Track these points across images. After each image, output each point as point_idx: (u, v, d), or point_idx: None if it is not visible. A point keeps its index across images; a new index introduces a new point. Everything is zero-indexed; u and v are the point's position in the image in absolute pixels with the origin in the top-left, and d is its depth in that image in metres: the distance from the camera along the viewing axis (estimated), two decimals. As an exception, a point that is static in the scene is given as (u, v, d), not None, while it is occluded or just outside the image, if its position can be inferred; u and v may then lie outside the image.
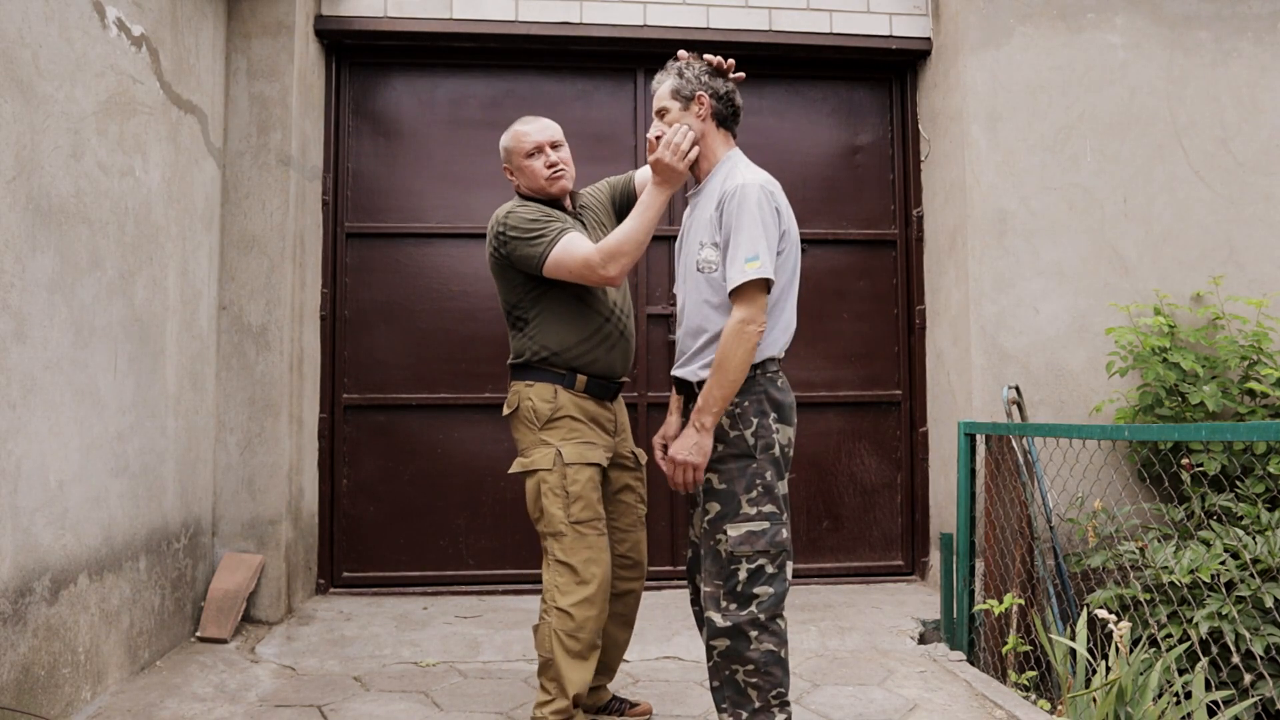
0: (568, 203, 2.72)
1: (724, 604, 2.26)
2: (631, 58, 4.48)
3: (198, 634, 3.49)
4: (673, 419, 2.57)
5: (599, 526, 2.54)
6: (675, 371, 2.46)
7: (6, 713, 2.38)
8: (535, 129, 2.66)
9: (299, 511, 3.97)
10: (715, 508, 2.30)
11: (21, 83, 2.49)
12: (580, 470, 2.52)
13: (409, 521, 4.28)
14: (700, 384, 2.35)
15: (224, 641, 3.46)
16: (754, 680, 2.24)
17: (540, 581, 4.19)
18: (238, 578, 3.59)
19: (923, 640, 3.64)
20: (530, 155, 2.64)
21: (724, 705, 2.29)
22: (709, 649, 2.31)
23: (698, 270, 2.37)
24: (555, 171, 2.64)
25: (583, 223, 2.70)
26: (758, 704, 2.25)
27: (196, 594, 3.57)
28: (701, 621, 2.42)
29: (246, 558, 3.67)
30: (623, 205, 2.81)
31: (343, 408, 4.28)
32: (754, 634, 2.24)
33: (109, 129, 2.92)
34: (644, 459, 2.79)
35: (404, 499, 4.28)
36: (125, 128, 3.02)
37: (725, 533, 2.28)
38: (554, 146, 2.65)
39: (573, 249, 2.49)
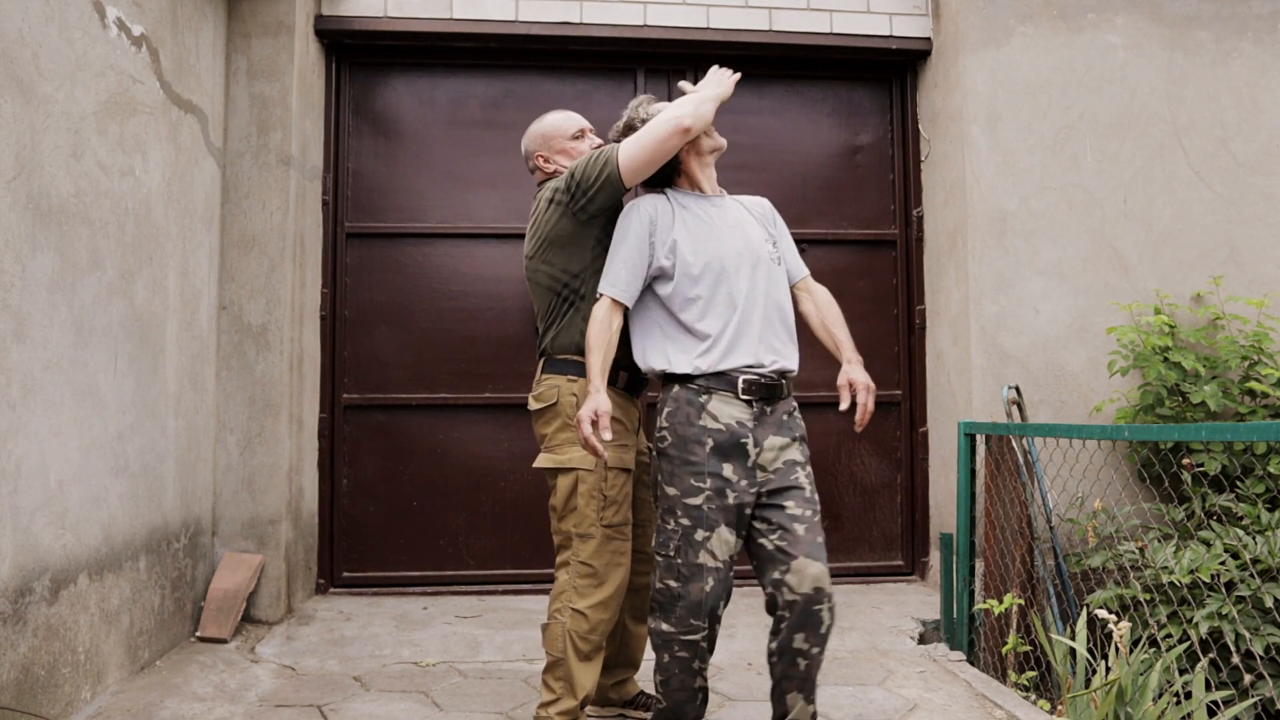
0: None
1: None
2: (631, 58, 4.48)
3: (198, 634, 3.49)
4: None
5: (626, 532, 2.50)
6: (785, 364, 2.52)
7: (6, 713, 2.38)
8: (573, 114, 2.77)
9: (299, 511, 3.97)
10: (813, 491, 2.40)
11: (21, 83, 2.49)
12: (619, 475, 2.49)
13: (409, 521, 4.28)
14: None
15: (224, 641, 3.46)
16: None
17: (541, 581, 4.23)
18: (238, 577, 3.59)
19: (923, 640, 3.63)
20: (576, 137, 2.72)
21: (812, 698, 2.35)
22: (817, 650, 2.29)
23: (777, 265, 2.56)
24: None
25: None
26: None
27: (196, 594, 3.57)
28: (807, 624, 2.29)
29: (246, 558, 3.67)
30: None
31: (343, 408, 4.28)
32: None
33: (109, 129, 2.92)
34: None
35: (404, 499, 4.29)
36: (125, 128, 3.02)
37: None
38: (591, 131, 2.78)
39: (641, 130, 2.46)
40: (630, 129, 2.56)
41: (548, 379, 2.56)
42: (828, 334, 2.69)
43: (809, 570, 2.26)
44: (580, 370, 2.48)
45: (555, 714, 2.44)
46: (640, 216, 2.46)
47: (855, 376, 2.54)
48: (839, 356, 2.63)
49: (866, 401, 2.49)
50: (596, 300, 2.43)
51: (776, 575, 2.28)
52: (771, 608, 2.32)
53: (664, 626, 2.30)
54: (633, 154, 2.42)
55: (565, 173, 2.55)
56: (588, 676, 2.45)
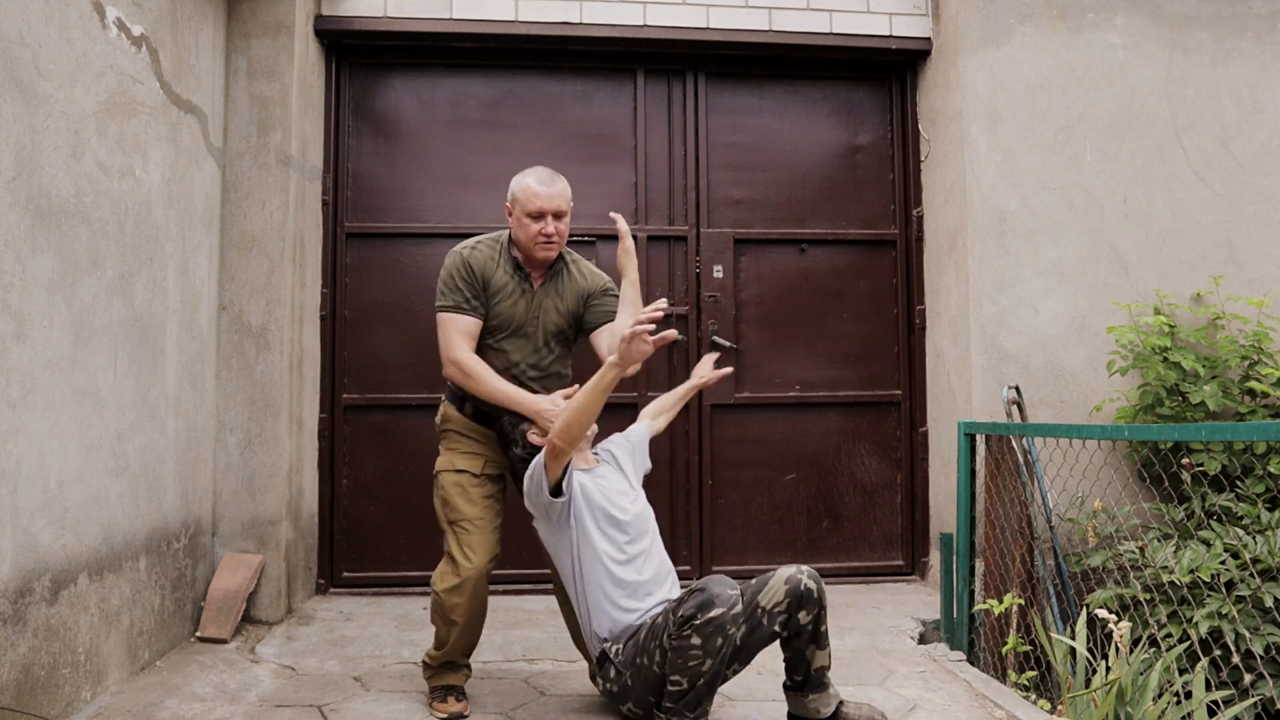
0: (539, 269, 2.87)
1: None
2: (631, 58, 4.48)
3: (198, 634, 3.49)
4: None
5: (468, 526, 2.76)
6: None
7: (6, 713, 2.38)
8: (548, 193, 2.75)
9: (299, 511, 3.97)
10: None
11: (21, 83, 2.49)
12: (447, 476, 2.83)
13: (409, 521, 4.27)
14: None
15: (224, 641, 3.46)
16: None
17: (542, 581, 4.27)
18: (238, 578, 3.59)
19: (923, 640, 3.63)
20: (532, 216, 2.76)
21: (825, 644, 2.63)
22: (818, 611, 2.57)
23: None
24: (547, 242, 2.78)
25: (531, 291, 2.86)
26: None
27: (196, 594, 3.57)
28: (802, 603, 2.55)
29: (246, 558, 3.67)
30: (581, 314, 2.93)
31: (343, 408, 4.28)
32: None
33: (109, 129, 2.92)
34: None
35: (404, 499, 4.28)
36: (125, 128, 3.02)
37: None
38: (557, 216, 2.77)
39: (449, 328, 2.78)
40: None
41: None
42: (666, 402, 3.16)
43: (771, 588, 2.51)
44: (447, 391, 2.91)
45: (425, 654, 2.91)
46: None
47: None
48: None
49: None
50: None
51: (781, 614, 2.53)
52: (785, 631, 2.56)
53: (712, 614, 2.35)
54: (439, 325, 2.80)
55: (446, 259, 2.83)
56: (448, 639, 2.79)
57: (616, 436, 2.95)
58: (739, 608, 2.38)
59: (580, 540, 2.62)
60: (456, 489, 2.80)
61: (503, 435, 2.83)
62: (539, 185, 2.75)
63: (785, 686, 2.65)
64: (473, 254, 2.82)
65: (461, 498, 2.79)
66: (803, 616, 2.51)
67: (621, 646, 2.58)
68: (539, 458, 2.62)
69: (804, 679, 2.59)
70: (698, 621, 2.34)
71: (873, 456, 4.53)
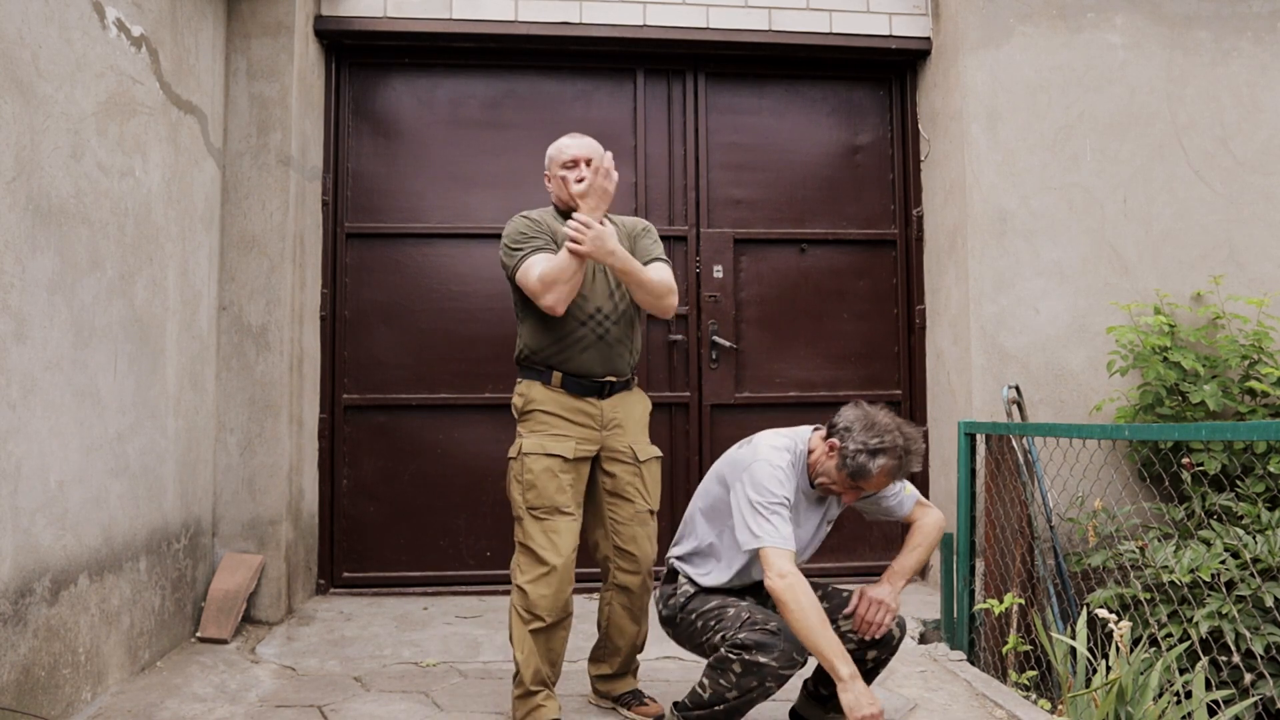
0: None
1: None
2: (631, 58, 4.48)
3: (198, 634, 3.49)
4: None
5: (555, 514, 2.65)
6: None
7: (6, 713, 2.38)
8: (577, 144, 2.81)
9: (299, 512, 3.97)
10: None
11: (21, 83, 2.49)
12: (537, 460, 2.67)
13: (409, 521, 4.28)
14: None
15: (224, 642, 3.46)
16: None
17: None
18: (238, 578, 3.59)
19: (923, 640, 3.63)
20: (566, 166, 2.80)
21: None
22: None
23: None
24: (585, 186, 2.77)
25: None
26: None
27: (197, 594, 3.57)
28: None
29: (246, 558, 3.67)
30: (633, 250, 2.86)
31: (343, 408, 4.28)
32: None
33: (109, 129, 2.92)
34: (644, 456, 2.79)
35: (404, 499, 4.28)
36: (125, 128, 3.02)
37: None
38: (589, 164, 2.77)
39: (530, 270, 2.66)
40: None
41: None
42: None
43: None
44: (523, 372, 2.79)
45: (514, 693, 2.68)
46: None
47: (870, 591, 2.52)
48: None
49: (867, 613, 2.48)
50: (766, 554, 2.37)
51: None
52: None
53: (761, 659, 2.30)
54: (522, 278, 2.67)
55: (505, 232, 2.78)
56: (526, 648, 2.63)
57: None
58: (789, 673, 2.32)
59: (736, 542, 2.49)
60: (547, 474, 2.66)
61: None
62: (568, 139, 2.84)
63: (806, 689, 2.62)
64: (530, 213, 2.85)
65: (552, 484, 2.66)
66: (870, 654, 2.48)
67: (692, 589, 2.54)
68: (757, 500, 2.41)
69: (831, 695, 2.53)
70: (746, 656, 2.29)
71: (873, 456, 4.52)
